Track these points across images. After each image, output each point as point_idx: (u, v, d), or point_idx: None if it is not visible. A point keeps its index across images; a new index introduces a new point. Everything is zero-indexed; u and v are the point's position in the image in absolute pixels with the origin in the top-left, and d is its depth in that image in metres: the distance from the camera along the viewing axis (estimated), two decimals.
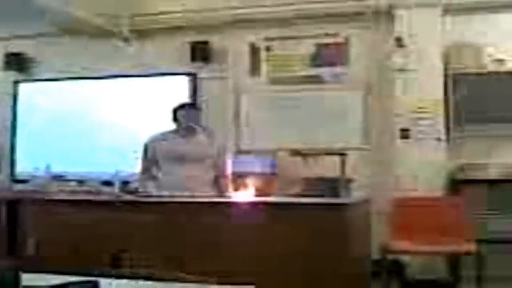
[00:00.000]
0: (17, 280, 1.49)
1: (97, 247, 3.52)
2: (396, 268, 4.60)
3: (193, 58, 5.82)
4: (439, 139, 5.09)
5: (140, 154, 4.37)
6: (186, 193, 3.92)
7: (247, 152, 5.19)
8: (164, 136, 4.37)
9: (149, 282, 1.88)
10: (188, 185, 4.07)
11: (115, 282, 1.77)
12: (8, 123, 6.36)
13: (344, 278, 3.32)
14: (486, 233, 4.38)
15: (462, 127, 5.09)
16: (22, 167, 6.12)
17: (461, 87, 5.10)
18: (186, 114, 4.29)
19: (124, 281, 1.83)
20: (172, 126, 4.34)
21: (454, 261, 4.59)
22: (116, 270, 2.70)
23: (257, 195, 3.79)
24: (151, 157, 4.31)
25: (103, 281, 1.65)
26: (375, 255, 4.02)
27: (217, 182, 4.28)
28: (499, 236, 4.56)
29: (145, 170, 4.33)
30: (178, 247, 3.46)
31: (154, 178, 4.29)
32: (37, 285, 1.55)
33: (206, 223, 3.49)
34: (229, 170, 4.47)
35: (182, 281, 1.93)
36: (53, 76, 6.27)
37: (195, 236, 3.48)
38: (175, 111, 4.34)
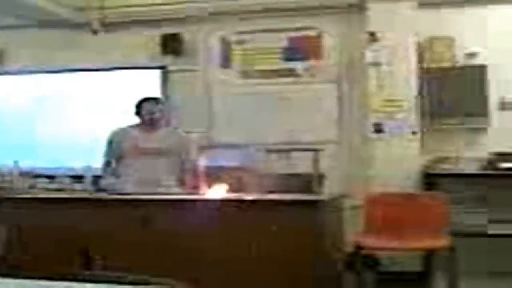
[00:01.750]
0: None
1: (69, 247, 3.45)
2: (370, 261, 4.58)
3: (164, 52, 5.72)
4: (414, 133, 5.09)
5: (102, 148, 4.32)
6: (153, 187, 3.86)
7: (219, 146, 5.11)
8: (127, 131, 4.33)
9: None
10: (152, 176, 4.04)
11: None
12: None
13: (317, 275, 3.30)
14: (460, 227, 4.39)
15: (437, 121, 5.10)
16: None
17: (435, 81, 5.11)
18: (149, 108, 4.26)
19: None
20: (136, 120, 4.29)
21: (427, 255, 4.60)
22: (87, 272, 2.63)
23: (229, 191, 3.74)
24: (114, 152, 4.27)
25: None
26: (350, 248, 4.00)
27: (183, 180, 4.23)
28: (473, 230, 4.58)
29: (107, 164, 4.29)
30: (149, 246, 3.39)
31: (114, 173, 4.24)
32: None
33: (178, 221, 3.43)
34: (199, 168, 4.42)
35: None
36: (20, 69, 6.11)
37: (165, 235, 3.41)
38: (138, 105, 4.30)
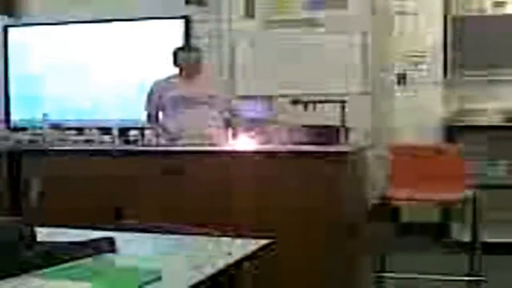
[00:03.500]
0: (33, 234, 1.48)
1: (99, 200, 3.50)
2: (392, 212, 4.65)
3: (187, 1, 5.67)
4: (436, 83, 5.06)
5: (144, 101, 4.34)
6: (196, 136, 3.90)
7: (243, 97, 5.11)
8: (168, 82, 4.31)
9: (154, 235, 1.90)
10: (198, 125, 4.07)
11: (122, 236, 1.77)
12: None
13: (341, 224, 3.36)
14: (483, 179, 4.40)
15: (461, 72, 5.05)
16: (19, 116, 6.03)
17: (461, 31, 5.02)
18: (185, 56, 4.23)
19: (134, 235, 1.84)
20: (172, 70, 4.28)
21: (448, 206, 4.66)
22: (118, 223, 2.71)
23: (255, 143, 3.78)
24: (156, 103, 4.27)
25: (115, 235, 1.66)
26: (374, 199, 4.05)
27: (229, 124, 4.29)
28: (494, 182, 4.60)
29: (149, 117, 4.33)
30: (180, 198, 3.45)
31: (159, 124, 4.28)
32: (55, 240, 1.54)
33: (209, 172, 3.48)
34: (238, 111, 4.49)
35: (186, 234, 1.94)
36: (44, 21, 6.09)
37: (197, 187, 3.47)
38: (175, 53, 4.27)
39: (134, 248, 1.68)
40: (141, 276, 1.32)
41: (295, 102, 3.98)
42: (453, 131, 4.78)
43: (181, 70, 4.28)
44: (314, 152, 3.45)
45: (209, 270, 1.40)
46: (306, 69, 5.31)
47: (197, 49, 4.42)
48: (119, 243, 1.59)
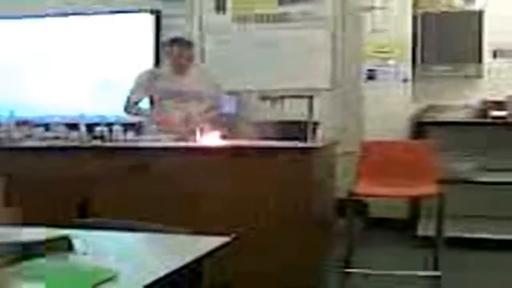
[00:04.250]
0: None
1: (64, 196, 3.46)
2: (360, 207, 4.69)
3: None
4: (405, 80, 5.10)
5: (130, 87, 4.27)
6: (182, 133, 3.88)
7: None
8: (158, 72, 4.31)
9: (118, 233, 1.87)
10: (187, 125, 4.03)
11: (84, 234, 1.75)
12: None
13: (310, 220, 3.37)
14: (450, 174, 4.46)
15: (429, 68, 5.09)
16: None
17: (430, 26, 5.06)
18: (179, 52, 4.17)
19: (94, 233, 1.81)
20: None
21: (415, 201, 4.70)
22: (83, 220, 2.68)
23: (222, 138, 3.76)
24: (143, 91, 4.23)
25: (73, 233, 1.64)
26: (341, 194, 4.07)
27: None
28: (461, 177, 4.66)
29: (128, 100, 4.25)
30: (146, 196, 3.41)
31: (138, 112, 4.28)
32: (9, 241, 1.51)
33: (173, 169, 3.45)
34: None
35: (149, 231, 1.92)
36: (6, 15, 5.97)
37: (161, 183, 3.44)
38: (168, 44, 4.24)
39: (93, 246, 1.65)
40: (95, 275, 1.30)
41: (263, 98, 3.98)
42: (421, 127, 4.82)
43: (172, 62, 4.23)
44: (282, 148, 3.45)
45: (165, 270, 1.38)
46: (275, 64, 5.31)
47: (191, 43, 4.36)
48: (79, 241, 1.57)
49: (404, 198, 4.56)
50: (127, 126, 3.95)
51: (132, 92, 4.27)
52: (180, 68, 4.21)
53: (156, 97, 4.28)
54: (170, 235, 1.83)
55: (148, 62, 5.46)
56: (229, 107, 4.91)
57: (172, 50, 4.19)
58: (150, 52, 5.60)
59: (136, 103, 4.30)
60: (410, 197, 4.43)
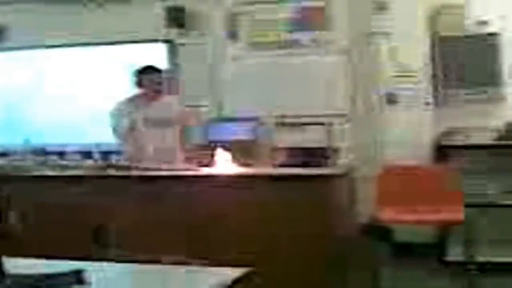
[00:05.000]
0: (0, 267, 1.42)
1: (82, 226, 3.42)
2: (384, 232, 4.55)
3: (169, 25, 5.60)
4: (427, 104, 5.01)
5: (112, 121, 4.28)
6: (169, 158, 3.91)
7: (229, 119, 5.02)
8: (133, 102, 4.29)
9: (133, 265, 1.80)
10: (164, 146, 4.06)
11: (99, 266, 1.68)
12: None
13: (331, 246, 3.26)
14: (473, 198, 4.32)
15: (449, 92, 5.00)
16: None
17: (447, 50, 4.99)
18: (153, 78, 4.23)
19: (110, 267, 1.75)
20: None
21: (442, 226, 4.56)
22: (98, 250, 2.60)
23: (238, 164, 3.69)
24: (123, 122, 4.22)
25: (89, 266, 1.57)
26: (363, 220, 3.95)
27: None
28: (485, 201, 4.52)
29: (115, 132, 4.24)
30: (159, 225, 3.34)
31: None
32: (22, 273, 1.47)
33: (187, 196, 3.37)
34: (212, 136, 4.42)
35: (166, 264, 1.85)
36: (23, 45, 5.99)
37: (176, 211, 3.36)
38: (138, 74, 4.26)
39: (105, 280, 1.57)
40: None
41: (280, 124, 3.90)
42: (443, 151, 4.71)
43: (144, 91, 4.27)
44: (301, 175, 3.36)
45: None
46: (292, 90, 5.23)
47: (160, 70, 4.40)
48: (94, 275, 1.49)
49: (429, 224, 4.41)
50: None
51: (117, 123, 4.26)
52: (153, 96, 4.26)
53: (134, 126, 4.26)
54: (187, 267, 1.74)
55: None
56: (244, 133, 4.81)
57: (144, 78, 4.25)
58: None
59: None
60: (435, 223, 4.29)
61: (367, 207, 4.05)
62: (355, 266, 3.86)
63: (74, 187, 3.58)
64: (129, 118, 4.20)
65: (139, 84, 4.27)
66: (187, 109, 4.49)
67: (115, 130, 4.23)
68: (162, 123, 4.20)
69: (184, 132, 4.33)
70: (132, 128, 4.21)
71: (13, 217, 3.51)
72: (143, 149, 4.13)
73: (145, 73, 4.26)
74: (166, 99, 4.36)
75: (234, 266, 1.65)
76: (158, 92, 4.26)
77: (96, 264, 1.73)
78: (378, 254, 3.65)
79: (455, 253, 4.26)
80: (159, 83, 4.26)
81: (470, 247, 3.54)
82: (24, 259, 1.81)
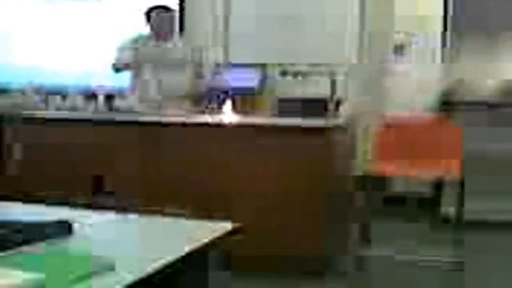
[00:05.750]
0: None
1: (81, 169, 3.46)
2: (379, 183, 4.61)
3: None
4: (434, 54, 4.93)
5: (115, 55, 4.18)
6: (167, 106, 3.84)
7: (235, 65, 4.99)
8: (141, 40, 4.20)
9: (121, 216, 1.84)
10: (167, 94, 3.98)
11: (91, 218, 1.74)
12: None
13: (326, 197, 3.32)
14: (472, 154, 4.33)
15: (464, 39, 4.86)
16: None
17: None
18: (159, 19, 4.12)
19: (100, 218, 1.80)
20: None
21: (438, 180, 4.60)
22: (95, 197, 2.66)
23: (244, 114, 3.71)
24: (127, 59, 4.12)
25: (79, 217, 1.63)
26: (361, 171, 4.00)
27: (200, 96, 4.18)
28: (482, 156, 4.52)
29: (114, 68, 4.16)
30: (159, 169, 3.39)
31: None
32: (10, 220, 1.51)
33: (189, 145, 3.42)
34: (215, 82, 4.34)
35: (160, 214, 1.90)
36: None
37: (177, 158, 3.41)
38: (147, 13, 4.16)
39: (95, 230, 1.63)
40: (92, 264, 1.28)
41: (284, 73, 3.89)
42: (450, 105, 4.68)
43: (154, 31, 4.17)
44: (299, 126, 3.37)
45: (165, 260, 1.36)
46: (300, 36, 5.18)
47: (170, 9, 4.26)
48: (80, 225, 1.55)
49: (427, 180, 4.45)
50: None
51: (118, 57, 4.16)
52: (162, 36, 4.15)
53: (140, 64, 4.16)
54: (178, 219, 1.80)
55: None
56: (247, 80, 4.78)
57: (152, 18, 4.14)
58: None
59: (125, 66, 4.20)
60: (429, 179, 4.33)
61: (365, 159, 4.09)
62: (349, 218, 3.95)
63: (75, 130, 3.58)
64: (134, 55, 4.11)
65: (149, 22, 4.17)
66: (197, 52, 4.35)
67: (113, 65, 4.13)
68: (171, 64, 4.13)
69: (194, 76, 4.23)
70: (135, 65, 4.14)
71: (17, 152, 3.56)
72: (148, 89, 4.09)
73: (155, 12, 4.15)
74: (176, 40, 4.27)
75: (226, 219, 1.69)
76: (167, 32, 4.16)
77: (85, 213, 1.77)
78: (372, 205, 3.70)
79: (449, 207, 4.31)
80: (169, 23, 4.16)
81: (462, 205, 3.57)
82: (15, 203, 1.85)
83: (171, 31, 4.20)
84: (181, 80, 4.15)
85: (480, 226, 4.06)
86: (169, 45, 4.16)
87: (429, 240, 4.03)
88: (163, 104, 3.97)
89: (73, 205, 1.90)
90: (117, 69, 4.15)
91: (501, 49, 4.82)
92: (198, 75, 4.23)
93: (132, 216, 1.83)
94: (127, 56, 4.09)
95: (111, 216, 1.83)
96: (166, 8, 4.20)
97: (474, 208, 3.96)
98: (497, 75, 4.82)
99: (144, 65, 4.11)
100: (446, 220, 4.18)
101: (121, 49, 4.15)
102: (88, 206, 1.95)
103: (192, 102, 4.16)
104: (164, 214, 1.90)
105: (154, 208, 1.97)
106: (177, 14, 4.28)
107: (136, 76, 4.18)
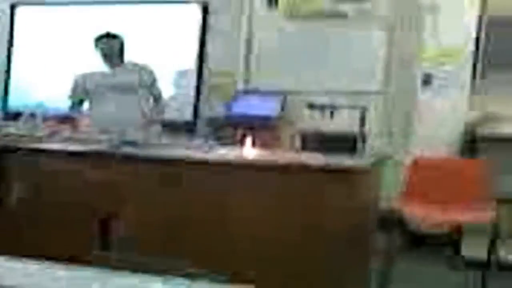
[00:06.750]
0: None
1: (86, 211, 3.19)
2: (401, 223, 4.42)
3: None
4: (463, 88, 4.76)
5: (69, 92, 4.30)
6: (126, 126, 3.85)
7: (254, 92, 4.82)
8: (91, 72, 4.26)
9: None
10: (119, 122, 3.97)
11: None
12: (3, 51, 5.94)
13: (351, 238, 3.12)
14: (503, 194, 4.13)
15: (491, 76, 4.72)
16: (17, 100, 5.76)
17: (496, 31, 4.68)
18: (106, 43, 4.18)
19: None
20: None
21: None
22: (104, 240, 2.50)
23: (262, 147, 3.53)
24: (80, 92, 4.23)
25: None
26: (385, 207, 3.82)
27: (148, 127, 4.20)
28: None
29: (73, 107, 4.30)
30: (173, 211, 3.18)
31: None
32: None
33: (207, 183, 3.20)
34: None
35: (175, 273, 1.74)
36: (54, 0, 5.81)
37: (192, 199, 3.21)
38: (96, 41, 4.22)
39: None
40: None
41: (311, 106, 3.71)
42: (477, 140, 4.49)
43: (104, 59, 4.22)
44: (326, 168, 3.16)
45: None
46: (326, 63, 5.01)
47: (117, 37, 4.29)
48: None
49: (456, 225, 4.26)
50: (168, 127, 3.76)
51: (71, 96, 4.31)
52: (111, 63, 4.21)
53: (94, 95, 4.25)
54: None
55: (192, 54, 5.27)
56: (264, 108, 4.57)
57: (99, 44, 4.20)
58: (196, 45, 5.40)
59: (80, 102, 4.33)
60: (460, 223, 4.14)
61: (389, 192, 3.89)
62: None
63: (84, 165, 3.26)
64: (85, 87, 4.21)
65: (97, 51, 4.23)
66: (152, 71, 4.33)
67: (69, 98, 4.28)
68: (121, 88, 4.16)
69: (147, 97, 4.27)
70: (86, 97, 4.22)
71: (17, 190, 3.32)
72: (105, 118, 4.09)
73: (101, 41, 4.22)
74: (128, 64, 4.29)
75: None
76: (114, 59, 4.20)
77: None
78: (393, 243, 3.52)
79: (472, 248, 4.13)
80: (116, 50, 4.20)
81: (494, 248, 3.40)
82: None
83: (121, 57, 4.24)
84: (133, 103, 4.19)
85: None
86: (118, 70, 4.21)
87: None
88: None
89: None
90: (73, 102, 4.28)
91: None
92: (156, 99, 4.28)
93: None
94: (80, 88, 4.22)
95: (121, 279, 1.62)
96: (113, 36, 4.25)
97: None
98: None
99: (97, 93, 4.18)
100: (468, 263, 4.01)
101: (74, 83, 4.27)
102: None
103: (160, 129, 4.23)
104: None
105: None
106: (124, 41, 4.29)
107: (92, 108, 4.25)
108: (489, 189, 3.68)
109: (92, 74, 4.25)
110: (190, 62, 5.29)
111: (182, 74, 5.34)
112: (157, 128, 4.35)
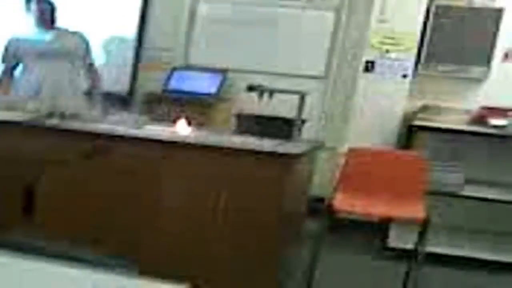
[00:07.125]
0: None
1: (12, 182, 3.10)
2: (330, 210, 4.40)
3: None
4: (404, 76, 4.75)
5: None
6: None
7: (193, 68, 4.68)
8: (24, 35, 4.09)
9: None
10: (52, 90, 3.86)
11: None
12: None
13: (279, 226, 3.09)
14: (435, 186, 4.17)
15: (433, 66, 4.73)
16: None
17: (444, 22, 4.67)
18: (39, 7, 4.00)
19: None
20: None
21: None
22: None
23: (195, 125, 3.44)
24: (12, 56, 4.06)
25: None
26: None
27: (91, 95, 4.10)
28: (447, 190, 4.37)
29: (5, 72, 4.12)
30: (95, 186, 3.09)
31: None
32: None
33: (132, 158, 3.10)
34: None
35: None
36: None
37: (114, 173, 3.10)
38: (27, 3, 4.05)
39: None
40: None
41: (250, 88, 3.60)
42: (413, 130, 4.50)
43: (36, 23, 4.05)
44: (255, 151, 3.09)
45: None
46: (271, 45, 4.90)
47: (51, 3, 4.12)
48: None
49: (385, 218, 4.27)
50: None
51: (3, 60, 4.14)
52: (44, 26, 4.04)
53: (24, 59, 4.08)
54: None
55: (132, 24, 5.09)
56: (201, 85, 4.45)
57: (32, 7, 4.04)
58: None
59: (11, 69, 4.15)
60: (391, 219, 4.15)
61: (322, 180, 3.87)
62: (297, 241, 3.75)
63: (7, 133, 3.17)
64: (17, 50, 4.04)
65: (28, 13, 4.06)
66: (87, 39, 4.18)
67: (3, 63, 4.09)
68: (55, 54, 4.00)
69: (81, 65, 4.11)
70: (19, 62, 4.04)
71: None
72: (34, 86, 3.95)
73: (32, 2, 4.04)
74: (61, 30, 4.12)
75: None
76: (46, 23, 4.03)
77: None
78: (321, 231, 3.49)
79: (399, 239, 4.18)
80: (47, 13, 4.03)
81: (423, 243, 3.41)
82: None
83: (53, 21, 4.07)
84: (67, 70, 4.05)
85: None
86: (51, 35, 4.04)
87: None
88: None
89: None
90: (6, 67, 4.10)
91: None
92: (90, 70, 4.15)
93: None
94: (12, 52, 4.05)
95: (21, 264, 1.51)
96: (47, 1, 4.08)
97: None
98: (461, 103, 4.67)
99: (27, 59, 4.02)
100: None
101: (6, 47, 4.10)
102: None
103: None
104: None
105: None
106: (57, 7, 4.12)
107: (23, 73, 4.06)
108: (423, 181, 3.68)
109: (25, 39, 4.07)
110: (130, 31, 5.08)
111: (120, 41, 5.14)
112: (98, 98, 4.17)
